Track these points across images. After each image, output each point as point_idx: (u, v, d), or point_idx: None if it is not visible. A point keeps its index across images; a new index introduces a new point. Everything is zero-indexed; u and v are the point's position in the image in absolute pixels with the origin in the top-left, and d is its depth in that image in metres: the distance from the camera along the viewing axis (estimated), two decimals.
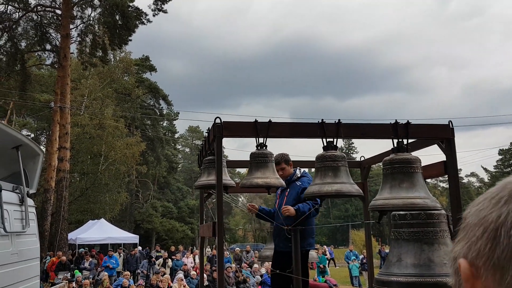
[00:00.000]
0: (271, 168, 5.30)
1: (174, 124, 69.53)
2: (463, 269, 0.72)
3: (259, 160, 5.26)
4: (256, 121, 5.04)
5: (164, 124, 64.78)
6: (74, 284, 19.50)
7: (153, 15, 31.52)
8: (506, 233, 0.67)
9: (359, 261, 25.19)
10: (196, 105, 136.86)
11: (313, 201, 5.72)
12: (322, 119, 5.08)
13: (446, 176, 5.22)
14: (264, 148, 5.28)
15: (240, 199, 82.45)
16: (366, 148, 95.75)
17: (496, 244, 0.68)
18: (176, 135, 76.91)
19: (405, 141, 4.94)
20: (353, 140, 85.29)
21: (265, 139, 5.16)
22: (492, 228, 0.69)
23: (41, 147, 8.03)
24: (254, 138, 5.20)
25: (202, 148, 6.46)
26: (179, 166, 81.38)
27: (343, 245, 79.65)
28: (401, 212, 4.43)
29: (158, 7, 31.48)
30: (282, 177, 5.97)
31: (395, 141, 4.92)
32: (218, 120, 4.96)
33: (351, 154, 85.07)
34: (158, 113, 55.25)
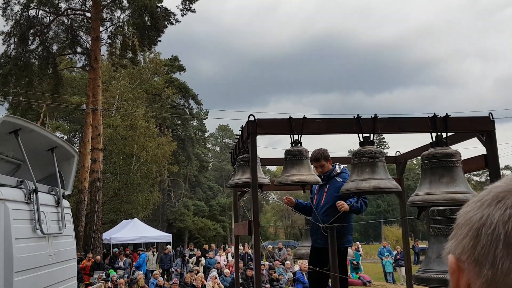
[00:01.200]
0: (307, 165, 5.24)
1: (204, 123, 69.96)
2: (450, 263, 0.83)
3: (294, 157, 5.21)
4: (290, 117, 4.99)
5: (194, 123, 65.20)
6: (109, 283, 19.76)
7: (182, 15, 31.69)
8: (485, 232, 0.77)
9: (393, 257, 24.90)
10: (225, 104, 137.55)
11: (364, 198, 5.78)
12: (358, 114, 5.01)
13: (482, 169, 5.08)
14: (299, 145, 5.22)
15: (271, 196, 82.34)
16: (398, 143, 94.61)
17: (477, 242, 0.78)
18: (206, 134, 77.36)
19: (443, 134, 4.82)
20: (384, 135, 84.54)
21: (299, 136, 5.10)
22: (475, 228, 0.79)
23: (75, 149, 8.10)
24: (287, 135, 5.15)
25: (235, 146, 6.44)
26: (210, 164, 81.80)
27: (376, 240, 78.97)
28: (440, 208, 4.34)
29: (187, 6, 31.63)
30: (321, 173, 5.94)
31: (434, 134, 4.80)
32: (251, 118, 4.92)
33: (383, 150, 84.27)
34: (188, 113, 55.62)
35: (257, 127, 4.87)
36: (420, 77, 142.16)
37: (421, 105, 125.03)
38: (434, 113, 4.93)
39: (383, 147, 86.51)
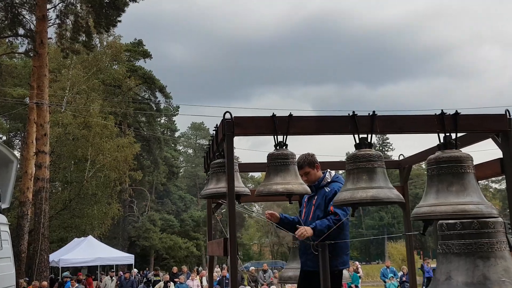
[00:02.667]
0: (293, 172, 5.30)
1: (174, 121, 69.93)
2: None
3: (278, 162, 5.26)
4: (273, 115, 5.04)
5: (162, 121, 65.14)
6: None
7: None
8: None
9: (398, 279, 25.13)
10: (200, 97, 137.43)
11: (335, 216, 5.71)
12: (354, 111, 5.08)
13: (497, 176, 5.20)
14: (284, 147, 5.28)
15: (254, 208, 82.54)
16: (403, 145, 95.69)
17: None
18: (177, 134, 77.36)
19: (453, 135, 4.91)
20: (388, 136, 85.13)
21: (285, 136, 5.16)
22: None
23: (15, 153, 8.06)
24: (272, 136, 5.20)
25: (208, 149, 6.47)
26: (181, 170, 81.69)
27: (378, 259, 79.50)
28: (450, 221, 4.41)
29: None
30: (307, 183, 5.94)
31: (441, 135, 4.89)
32: (228, 115, 4.97)
33: (386, 152, 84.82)
34: (155, 108, 55.55)
35: (234, 126, 4.90)
36: (430, 67, 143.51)
37: (431, 99, 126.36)
38: (442, 110, 5.01)
39: (386, 149, 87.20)
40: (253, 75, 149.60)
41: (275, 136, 5.15)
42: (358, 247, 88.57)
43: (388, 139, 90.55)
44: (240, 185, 5.59)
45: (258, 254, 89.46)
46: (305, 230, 5.61)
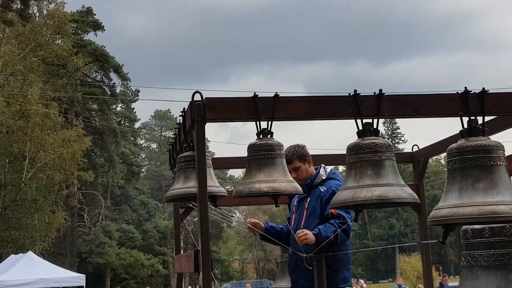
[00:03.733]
0: (281, 167, 5.26)
1: (133, 108, 69.68)
2: None
3: (261, 155, 5.22)
4: (255, 95, 5.00)
5: (118, 108, 64.90)
6: None
7: None
8: None
9: None
10: (166, 79, 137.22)
11: (339, 219, 5.61)
12: (355, 90, 5.04)
13: None
14: (268, 136, 5.23)
15: (235, 215, 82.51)
16: (417, 136, 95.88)
17: None
18: (137, 125, 77.15)
19: (479, 119, 4.88)
20: (398, 123, 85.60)
21: (269, 122, 5.12)
22: None
23: None
24: (254, 123, 5.16)
25: (174, 140, 6.43)
26: (143, 170, 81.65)
27: (388, 277, 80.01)
28: (476, 227, 4.39)
29: None
30: (298, 181, 5.88)
31: (465, 119, 4.86)
32: (197, 96, 4.92)
33: (396, 144, 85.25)
34: (109, 93, 55.32)
35: (206, 110, 4.87)
36: (449, 38, 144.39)
37: (451, 79, 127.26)
38: (466, 87, 4.99)
39: (396, 141, 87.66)
40: (231, 52, 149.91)
41: (258, 122, 5.11)
42: (363, 262, 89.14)
43: (398, 128, 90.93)
44: (214, 184, 5.55)
45: (240, 273, 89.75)
46: (307, 234, 5.51)
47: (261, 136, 5.24)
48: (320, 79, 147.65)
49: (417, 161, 7.28)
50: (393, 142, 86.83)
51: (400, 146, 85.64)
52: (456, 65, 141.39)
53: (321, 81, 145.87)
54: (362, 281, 33.56)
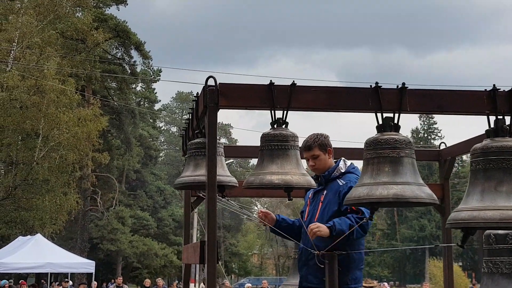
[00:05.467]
0: (294, 159, 5.31)
1: (154, 89, 69.79)
2: None
3: (275, 145, 5.29)
4: (271, 83, 5.06)
5: (138, 88, 65.00)
6: None
7: None
8: None
9: None
10: (189, 60, 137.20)
11: (357, 214, 5.59)
12: (377, 83, 5.08)
13: None
14: (283, 126, 5.29)
15: (256, 207, 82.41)
16: (457, 132, 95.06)
17: None
18: (157, 106, 77.34)
19: (507, 119, 4.91)
20: (436, 118, 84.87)
21: (285, 112, 5.17)
22: None
23: None
24: (269, 111, 5.22)
25: (187, 125, 6.48)
26: (161, 154, 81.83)
27: (417, 282, 79.59)
28: (500, 232, 4.41)
29: None
30: (315, 170, 5.92)
31: (492, 118, 4.89)
32: (211, 82, 4.99)
33: (432, 141, 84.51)
34: (129, 71, 55.36)
35: (219, 96, 4.94)
36: (496, 28, 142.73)
37: (497, 72, 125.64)
38: (494, 85, 5.01)
39: (433, 136, 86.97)
40: (260, 33, 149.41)
41: (273, 111, 5.18)
42: (390, 265, 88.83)
43: (435, 123, 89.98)
44: (224, 174, 5.61)
45: (259, 268, 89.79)
46: (320, 227, 5.53)
47: (275, 126, 5.30)
48: (355, 66, 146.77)
49: (444, 159, 7.27)
50: (429, 138, 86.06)
51: (436, 143, 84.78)
52: (503, 58, 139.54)
53: (355, 68, 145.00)
54: (385, 284, 33.24)
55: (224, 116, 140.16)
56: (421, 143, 78.12)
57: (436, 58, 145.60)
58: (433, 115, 79.95)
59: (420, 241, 79.93)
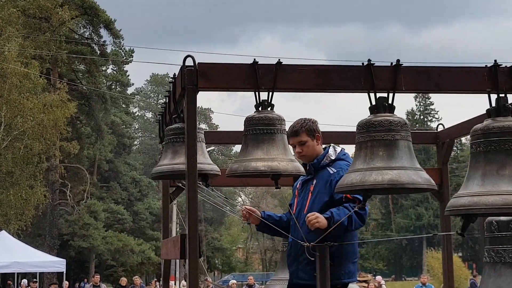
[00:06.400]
0: (281, 144, 5.31)
1: (127, 71, 69.57)
2: None
3: (260, 129, 5.29)
4: (255, 61, 5.05)
5: (109, 70, 64.76)
6: None
7: None
8: None
9: None
10: (165, 39, 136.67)
11: (354, 203, 5.54)
12: (370, 60, 5.09)
13: None
14: (268, 109, 5.29)
15: (240, 198, 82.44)
16: (456, 114, 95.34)
17: None
18: (130, 90, 77.01)
19: (510, 97, 4.93)
20: (433, 98, 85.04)
21: (270, 93, 5.17)
22: None
23: None
24: (253, 93, 5.23)
25: (164, 110, 6.48)
26: (135, 142, 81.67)
27: (414, 274, 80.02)
28: (502, 219, 4.44)
29: None
30: (302, 158, 5.91)
31: (494, 97, 4.91)
32: (189, 62, 4.98)
33: (429, 123, 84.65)
34: (98, 52, 55.12)
35: (198, 76, 4.92)
36: (498, 2, 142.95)
37: (499, 49, 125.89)
38: (495, 60, 5.02)
39: (430, 118, 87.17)
40: (242, 9, 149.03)
41: (257, 93, 5.18)
42: (385, 257, 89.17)
43: (432, 104, 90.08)
44: (205, 161, 5.61)
45: (244, 264, 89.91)
46: (319, 217, 5.49)
47: (260, 109, 5.30)
48: (347, 44, 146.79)
49: (442, 142, 7.28)
50: (425, 120, 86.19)
51: (433, 125, 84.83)
52: (505, 34, 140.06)
53: (347, 47, 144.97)
54: (380, 278, 33.36)
55: (204, 99, 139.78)
56: (417, 125, 78.22)
57: (433, 34, 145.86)
58: (430, 96, 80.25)
59: (417, 231, 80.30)
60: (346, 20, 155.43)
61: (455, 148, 69.65)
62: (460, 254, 73.66)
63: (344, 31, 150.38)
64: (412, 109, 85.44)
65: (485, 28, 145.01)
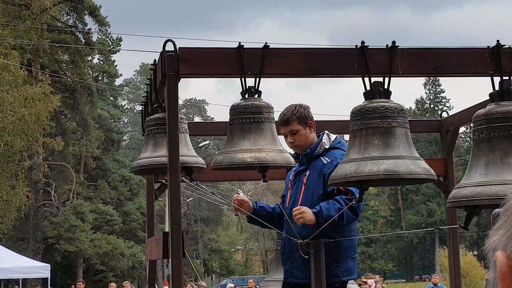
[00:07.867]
0: (269, 133, 5.33)
1: (114, 61, 69.46)
2: (499, 264, 1.00)
3: (246, 118, 5.30)
4: (240, 45, 5.05)
5: (95, 60, 64.70)
6: None
7: None
8: None
9: None
10: (155, 26, 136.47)
11: (347, 195, 5.57)
12: (363, 42, 5.09)
13: None
14: (256, 96, 5.30)
15: (240, 194, 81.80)
16: (467, 102, 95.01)
17: None
18: (118, 81, 76.90)
19: None
20: (443, 85, 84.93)
21: (257, 79, 5.18)
22: None
23: None
24: (239, 79, 5.23)
25: (146, 99, 6.49)
26: (125, 138, 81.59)
27: (425, 274, 79.97)
28: None
29: None
30: (295, 148, 5.91)
31: (497, 80, 4.92)
32: (170, 46, 4.98)
33: (440, 112, 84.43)
34: (83, 41, 55.07)
35: (180, 62, 4.92)
36: None
37: (509, 32, 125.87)
38: (498, 41, 5.03)
39: (440, 107, 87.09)
40: None
41: (243, 79, 5.18)
42: (395, 256, 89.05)
43: (443, 91, 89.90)
44: (189, 153, 5.62)
45: (243, 266, 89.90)
46: (304, 212, 5.52)
47: (246, 96, 5.30)
48: (351, 28, 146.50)
49: (446, 130, 7.28)
50: (436, 108, 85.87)
51: (444, 114, 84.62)
52: None
53: (351, 31, 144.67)
54: (372, 281, 33.34)
55: (199, 90, 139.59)
56: (427, 114, 78.04)
57: (444, 17, 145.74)
58: (440, 83, 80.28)
59: (428, 226, 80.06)
60: (351, 3, 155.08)
61: (468, 139, 69.66)
62: (475, 252, 73.59)
63: (348, 14, 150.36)
64: (421, 97, 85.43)
65: (500, 9, 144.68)
